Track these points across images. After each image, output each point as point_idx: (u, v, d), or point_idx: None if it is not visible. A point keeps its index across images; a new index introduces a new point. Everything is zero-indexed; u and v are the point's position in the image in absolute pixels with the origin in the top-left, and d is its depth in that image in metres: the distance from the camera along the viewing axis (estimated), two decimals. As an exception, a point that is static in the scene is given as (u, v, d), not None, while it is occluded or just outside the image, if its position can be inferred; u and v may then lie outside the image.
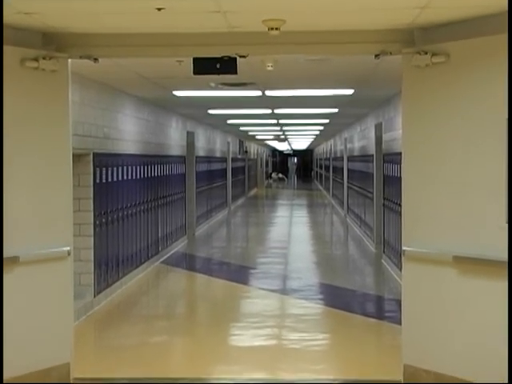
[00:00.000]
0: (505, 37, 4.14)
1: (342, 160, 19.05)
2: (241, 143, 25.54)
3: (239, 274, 9.88)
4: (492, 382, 4.36)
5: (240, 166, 25.30)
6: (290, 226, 16.86)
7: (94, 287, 7.51)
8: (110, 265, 8.10)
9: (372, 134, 12.24)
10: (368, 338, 6.44)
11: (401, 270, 5.01)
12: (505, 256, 4.23)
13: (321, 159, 36.46)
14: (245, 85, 8.09)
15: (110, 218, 8.11)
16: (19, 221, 4.67)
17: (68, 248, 4.91)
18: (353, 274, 10.02)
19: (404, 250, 4.83)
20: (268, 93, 9.15)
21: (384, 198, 10.54)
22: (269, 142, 34.57)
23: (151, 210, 10.23)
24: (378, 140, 11.43)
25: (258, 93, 9.09)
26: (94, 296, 7.50)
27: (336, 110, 12.17)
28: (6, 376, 4.45)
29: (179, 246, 12.33)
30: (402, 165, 4.90)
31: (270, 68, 5.92)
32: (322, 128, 18.61)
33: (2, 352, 4.41)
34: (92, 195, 7.48)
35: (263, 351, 5.95)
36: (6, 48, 4.52)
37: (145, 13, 4.29)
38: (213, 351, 5.94)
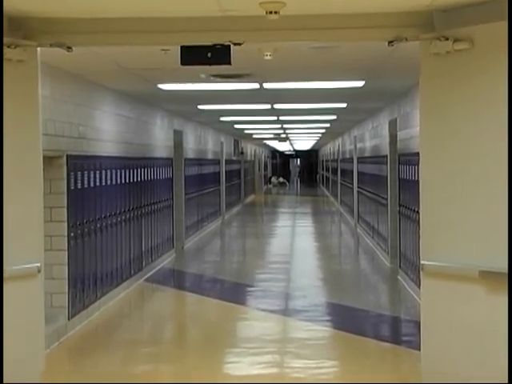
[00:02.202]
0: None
1: (352, 162, 19.06)
2: (236, 143, 25.55)
3: (235, 292, 9.86)
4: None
5: (235, 169, 25.30)
6: (293, 238, 16.84)
7: (69, 309, 7.48)
8: (86, 283, 8.07)
9: (386, 131, 12.24)
10: (382, 366, 6.42)
11: (419, 287, 4.99)
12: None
13: (327, 161, 36.50)
14: (240, 76, 8.09)
15: (86, 230, 8.08)
16: (-18, 233, 4.64)
17: (38, 264, 4.88)
18: (364, 291, 10.00)
19: (422, 264, 4.81)
20: (266, 85, 9.15)
21: (400, 205, 10.53)
22: (268, 142, 34.58)
23: (134, 219, 10.22)
24: (393, 138, 11.43)
25: (256, 85, 9.09)
26: (69, 319, 7.47)
27: (344, 105, 12.18)
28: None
29: (166, 261, 12.31)
30: (420, 166, 4.88)
31: (268, 57, 5.92)
32: (328, 125, 18.62)
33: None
34: (66, 203, 7.46)
35: (263, 381, 5.92)
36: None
37: (125, -6, 4.29)
38: (205, 382, 5.91)
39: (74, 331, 7.51)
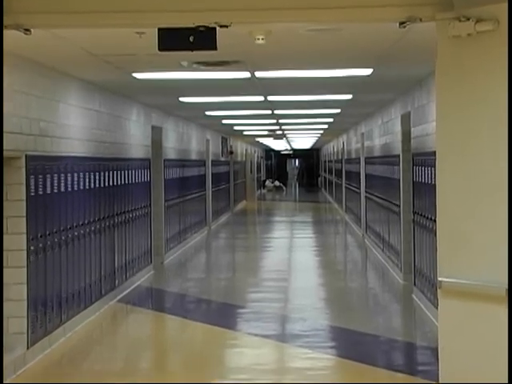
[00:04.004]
0: None
1: (358, 162, 19.10)
2: (224, 142, 25.57)
3: (223, 314, 9.85)
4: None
5: (223, 171, 25.33)
6: (291, 251, 16.85)
7: (28, 336, 7.45)
8: (49, 305, 8.03)
9: (397, 127, 12.26)
10: (395, 400, 6.43)
11: (437, 307, 4.98)
12: None
13: (330, 161, 36.57)
14: (228, 64, 8.09)
15: (49, 243, 8.06)
16: None
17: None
18: (374, 313, 10.02)
19: (440, 282, 4.80)
20: (259, 74, 9.15)
21: (414, 213, 10.55)
22: (261, 140, 34.61)
23: (105, 230, 10.20)
24: (406, 136, 11.45)
25: (246, 74, 9.08)
26: (28, 347, 7.44)
27: (349, 97, 12.20)
28: None
29: (143, 279, 12.30)
30: (437, 168, 4.88)
31: (260, 41, 5.91)
32: (330, 121, 18.65)
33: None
34: (25, 212, 7.44)
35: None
36: None
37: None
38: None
39: (34, 362, 7.47)
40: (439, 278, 4.81)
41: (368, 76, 9.37)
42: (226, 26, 4.93)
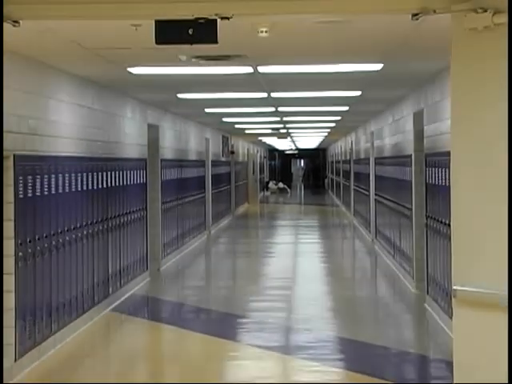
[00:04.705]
0: None
1: (368, 163, 19.11)
2: (225, 140, 25.59)
3: (223, 325, 9.86)
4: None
5: (224, 172, 25.35)
6: (296, 257, 16.86)
7: (16, 347, 7.44)
8: (38, 314, 8.04)
9: (409, 126, 12.26)
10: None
11: (452, 318, 4.97)
12: None
13: (337, 162, 36.61)
14: (229, 58, 8.10)
15: (39, 248, 8.06)
16: None
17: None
18: (384, 324, 10.02)
19: (455, 290, 4.78)
20: (262, 69, 9.16)
21: (427, 217, 10.55)
22: (264, 139, 34.63)
23: (98, 235, 10.20)
24: (418, 134, 11.46)
25: (248, 69, 9.09)
26: (15, 360, 7.44)
27: (358, 93, 12.21)
28: None
29: (138, 286, 12.30)
30: (451, 169, 4.86)
31: (264, 34, 5.91)
32: (338, 119, 18.67)
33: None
34: (13, 216, 7.45)
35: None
36: None
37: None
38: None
39: (21, 375, 7.47)
40: (454, 287, 4.80)
41: (378, 71, 9.37)
42: (228, 18, 4.92)
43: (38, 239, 8.06)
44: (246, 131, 25.07)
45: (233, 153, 27.69)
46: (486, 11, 4.61)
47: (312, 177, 59.97)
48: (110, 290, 10.77)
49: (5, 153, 7.35)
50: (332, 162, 43.45)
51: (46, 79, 8.63)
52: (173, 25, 4.95)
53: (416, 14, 4.87)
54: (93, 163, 10.07)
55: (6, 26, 4.96)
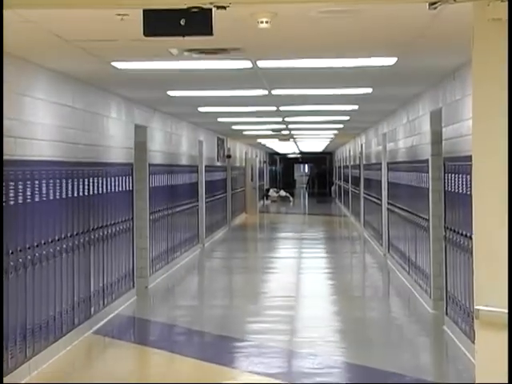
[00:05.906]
0: None
1: (380, 169, 19.12)
2: (220, 143, 25.61)
3: (218, 349, 9.84)
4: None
5: (219, 178, 25.36)
6: (299, 274, 16.84)
7: (-12, 373, 7.45)
8: (11, 338, 8.01)
9: (426, 127, 12.26)
10: None
11: (474, 341, 4.96)
12: None
13: (345, 167, 36.64)
14: (225, 52, 8.11)
15: (12, 263, 8.06)
16: None
17: None
18: (398, 348, 10.01)
19: (477, 310, 4.77)
20: (261, 64, 9.17)
21: (446, 228, 10.55)
22: (264, 142, 34.66)
23: (79, 248, 10.20)
24: (436, 137, 11.47)
25: (247, 64, 9.11)
26: (-12, 387, 7.43)
27: (369, 91, 12.23)
28: None
29: (124, 306, 12.30)
30: (473, 176, 4.85)
31: (264, 25, 5.92)
32: (346, 119, 18.69)
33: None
34: (-16, 227, 7.43)
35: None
36: None
37: None
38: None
39: (-6, 404, 7.47)
40: (476, 307, 4.79)
41: (391, 66, 9.39)
42: (224, 7, 4.91)
43: (11, 253, 8.04)
44: (244, 133, 25.09)
45: (229, 157, 27.69)
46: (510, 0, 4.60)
47: (317, 183, 60.02)
48: (92, 310, 10.75)
49: (-25, 157, 7.35)
50: (339, 167, 43.49)
51: (21, 75, 8.62)
52: (163, 15, 4.95)
53: (434, 3, 4.87)
54: (73, 168, 10.06)
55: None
